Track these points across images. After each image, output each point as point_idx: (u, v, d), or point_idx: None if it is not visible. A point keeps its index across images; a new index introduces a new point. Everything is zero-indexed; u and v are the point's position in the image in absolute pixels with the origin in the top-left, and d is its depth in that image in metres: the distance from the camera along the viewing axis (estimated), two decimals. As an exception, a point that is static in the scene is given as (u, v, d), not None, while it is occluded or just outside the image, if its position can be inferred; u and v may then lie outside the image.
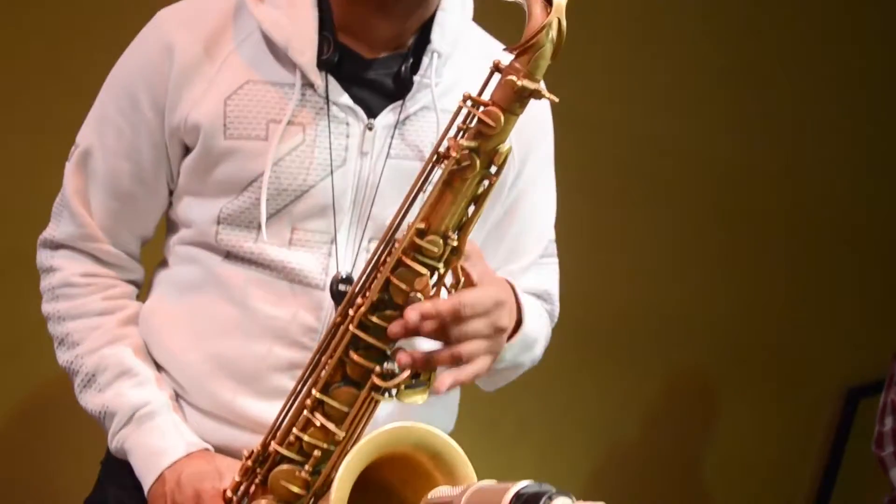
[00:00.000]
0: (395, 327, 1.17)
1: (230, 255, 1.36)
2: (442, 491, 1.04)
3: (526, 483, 0.96)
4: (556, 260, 1.52)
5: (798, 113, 3.29)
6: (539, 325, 1.40)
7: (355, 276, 1.32)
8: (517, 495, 0.95)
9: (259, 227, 1.34)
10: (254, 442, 1.30)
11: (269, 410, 1.31)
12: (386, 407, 1.24)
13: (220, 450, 1.36)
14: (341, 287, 1.32)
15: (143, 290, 1.50)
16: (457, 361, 1.19)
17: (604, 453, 3.31)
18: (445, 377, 1.19)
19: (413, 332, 1.17)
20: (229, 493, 1.28)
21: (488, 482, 1.00)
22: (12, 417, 2.81)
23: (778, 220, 3.37)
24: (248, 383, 1.35)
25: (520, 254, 1.46)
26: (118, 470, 1.41)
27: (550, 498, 0.94)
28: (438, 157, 1.18)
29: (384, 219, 1.29)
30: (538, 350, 1.43)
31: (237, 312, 1.35)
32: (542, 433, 3.09)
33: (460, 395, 1.49)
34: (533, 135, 1.44)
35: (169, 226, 1.46)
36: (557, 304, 1.50)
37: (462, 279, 1.20)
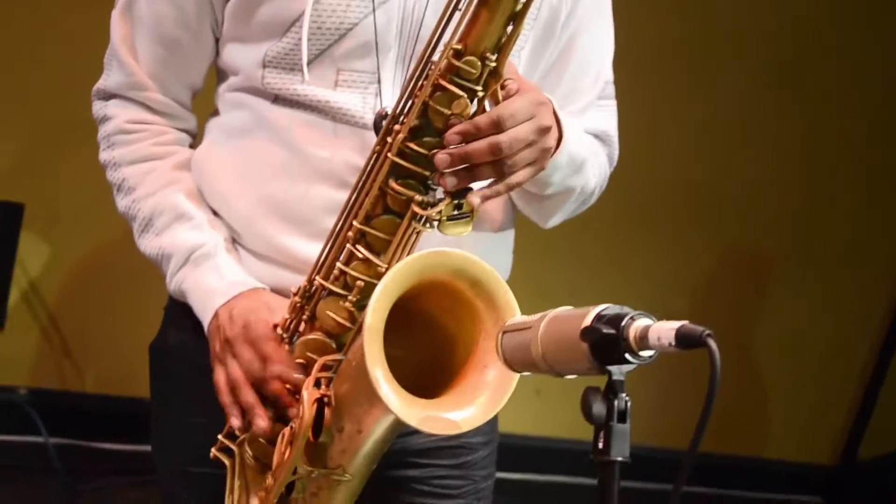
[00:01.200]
0: (440, 157, 1.12)
1: (278, 99, 1.32)
2: (516, 320, 0.99)
3: (606, 305, 0.91)
4: (614, 102, 1.44)
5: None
6: (586, 147, 1.33)
7: None
8: (598, 316, 0.90)
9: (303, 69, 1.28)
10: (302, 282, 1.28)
11: (317, 251, 1.27)
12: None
13: (273, 290, 1.33)
14: (384, 123, 1.27)
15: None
16: (499, 170, 1.14)
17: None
18: (482, 191, 1.14)
19: (458, 158, 1.11)
20: (280, 331, 1.26)
21: (565, 308, 0.95)
22: (84, 269, 2.86)
23: (841, 99, 3.24)
24: (297, 224, 1.32)
25: (577, 95, 1.39)
26: (179, 313, 1.40)
27: (633, 318, 0.89)
28: (473, -26, 1.10)
29: None
30: (590, 177, 1.35)
31: (285, 154, 1.31)
32: (594, 303, 3.01)
33: (513, 261, 1.43)
34: None
35: (218, 75, 1.42)
36: (616, 146, 1.42)
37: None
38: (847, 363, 3.46)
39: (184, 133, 1.44)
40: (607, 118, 1.42)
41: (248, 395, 1.25)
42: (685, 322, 0.88)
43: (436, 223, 1.16)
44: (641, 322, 0.90)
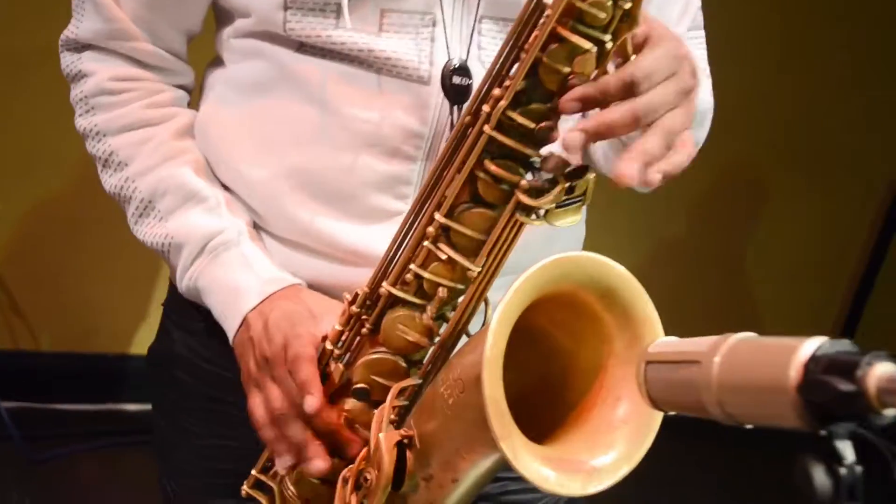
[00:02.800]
0: (571, 136, 0.81)
1: (304, 47, 1.01)
2: (670, 344, 0.71)
3: (819, 342, 0.62)
4: (703, 33, 1.15)
5: None
6: (708, 93, 1.07)
7: (471, 66, 0.97)
8: (815, 360, 0.63)
9: (337, 10, 0.97)
10: (350, 275, 1.00)
11: (365, 236, 1.00)
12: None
13: (309, 285, 1.05)
14: (455, 80, 0.97)
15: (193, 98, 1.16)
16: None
17: (648, 244, 3.06)
18: (656, 169, 0.83)
19: (593, 137, 0.82)
20: (329, 345, 0.96)
21: (747, 336, 0.67)
22: (31, 221, 2.52)
23: (834, 13, 3.05)
24: (336, 204, 1.02)
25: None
26: (184, 312, 1.11)
27: (870, 363, 0.61)
28: None
29: None
30: (706, 128, 1.09)
31: (317, 115, 1.00)
32: (589, 223, 2.81)
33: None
34: None
35: (220, 17, 1.10)
36: (709, 83, 1.14)
37: (632, 56, 0.84)
38: (837, 273, 3.37)
39: (181, 90, 1.13)
40: (701, 54, 1.13)
41: (298, 430, 0.96)
42: None
43: (542, 212, 0.87)
44: (885, 369, 0.62)
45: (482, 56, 0.98)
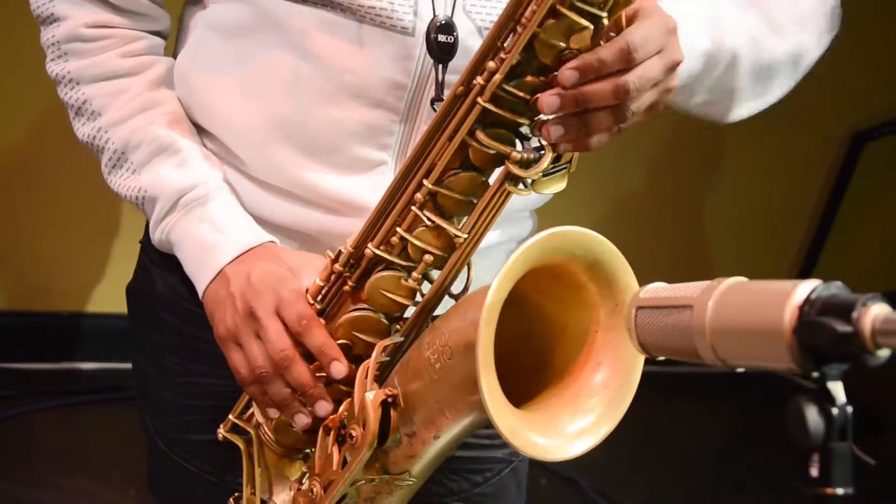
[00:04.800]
0: (548, 100, 0.81)
1: None
2: (661, 290, 0.71)
3: (813, 284, 0.62)
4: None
5: None
6: (735, 34, 0.98)
7: (456, 20, 0.95)
8: (810, 302, 0.62)
9: None
10: (334, 223, 1.00)
11: (348, 186, 0.99)
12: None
13: (288, 230, 1.04)
14: (440, 37, 0.95)
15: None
16: (619, 116, 0.83)
17: (607, 202, 3.06)
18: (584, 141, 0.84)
19: (571, 101, 0.81)
20: (309, 299, 0.96)
21: (738, 281, 0.67)
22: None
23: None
24: (319, 154, 1.00)
25: None
26: (163, 251, 1.08)
27: (866, 304, 0.60)
28: None
29: None
30: (773, 53, 1.05)
31: (299, 63, 0.98)
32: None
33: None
34: None
35: None
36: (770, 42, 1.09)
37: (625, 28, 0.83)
38: (793, 224, 3.39)
39: (157, 37, 1.09)
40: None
41: (280, 388, 0.96)
42: None
43: (529, 182, 0.87)
44: (879, 310, 0.60)
45: (467, 6, 0.96)
